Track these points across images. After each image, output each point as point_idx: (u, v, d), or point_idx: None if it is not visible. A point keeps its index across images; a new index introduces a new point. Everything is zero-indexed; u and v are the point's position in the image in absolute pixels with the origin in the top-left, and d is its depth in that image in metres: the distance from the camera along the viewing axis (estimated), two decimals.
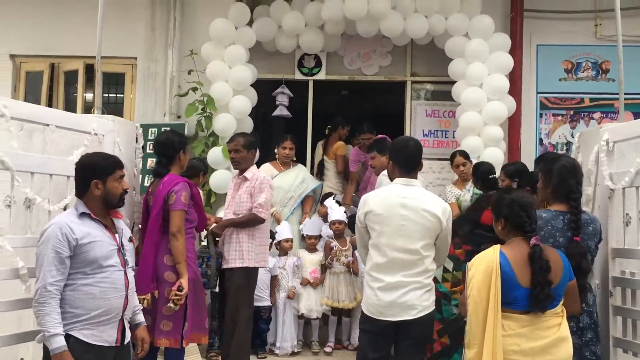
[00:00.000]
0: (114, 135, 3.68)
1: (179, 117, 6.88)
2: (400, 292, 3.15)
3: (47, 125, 3.23)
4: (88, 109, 7.08)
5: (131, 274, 2.97)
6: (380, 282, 3.20)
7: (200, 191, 4.58)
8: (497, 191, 3.89)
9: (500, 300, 2.75)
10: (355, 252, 5.71)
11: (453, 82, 6.55)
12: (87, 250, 2.78)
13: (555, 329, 2.79)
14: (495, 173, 4.97)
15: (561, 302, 2.85)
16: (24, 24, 7.03)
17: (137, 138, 4.07)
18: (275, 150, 6.38)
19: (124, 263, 2.92)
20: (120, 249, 2.92)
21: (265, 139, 8.32)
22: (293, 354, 5.52)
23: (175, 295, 3.63)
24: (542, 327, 2.77)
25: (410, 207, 3.20)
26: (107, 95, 7.20)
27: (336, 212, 5.81)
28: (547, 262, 2.74)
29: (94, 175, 2.86)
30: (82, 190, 2.90)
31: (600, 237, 3.26)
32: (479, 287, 2.78)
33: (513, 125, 6.69)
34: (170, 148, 3.93)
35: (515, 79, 6.65)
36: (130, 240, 3.04)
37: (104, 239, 2.86)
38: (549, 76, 6.90)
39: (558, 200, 3.14)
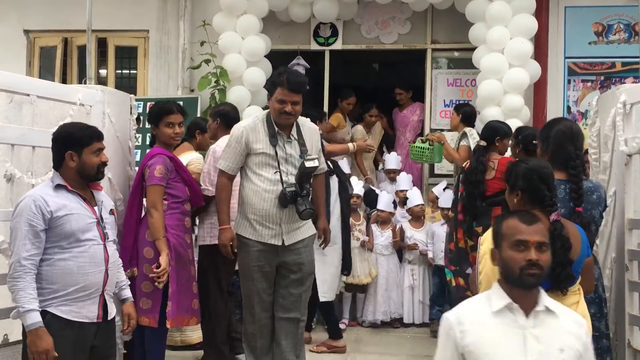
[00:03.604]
0: (102, 106, 3.54)
1: (192, 90, 6.77)
2: None
3: (28, 95, 3.12)
4: (101, 84, 7.02)
5: (112, 248, 2.86)
6: None
7: (199, 156, 4.31)
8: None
9: None
10: (371, 226, 5.56)
11: (475, 49, 6.24)
12: (62, 223, 2.67)
13: (574, 308, 2.56)
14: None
15: (579, 280, 2.63)
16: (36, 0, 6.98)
17: (131, 109, 3.93)
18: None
19: (104, 237, 2.80)
20: (100, 222, 2.80)
21: None
22: (307, 329, 5.39)
23: (153, 273, 3.51)
24: None
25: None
26: (120, 70, 7.12)
27: (353, 186, 5.64)
28: (568, 240, 2.50)
29: (68, 147, 2.74)
30: (57, 162, 2.78)
31: (605, 205, 3.00)
32: (492, 264, 2.56)
33: (539, 92, 6.37)
34: (150, 120, 3.78)
35: (541, 43, 6.32)
36: (112, 212, 2.92)
37: (82, 212, 2.74)
38: (578, 40, 6.52)
39: (557, 168, 2.87)
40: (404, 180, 5.89)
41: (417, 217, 5.63)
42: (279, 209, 3.49)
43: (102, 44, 7.01)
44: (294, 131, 3.59)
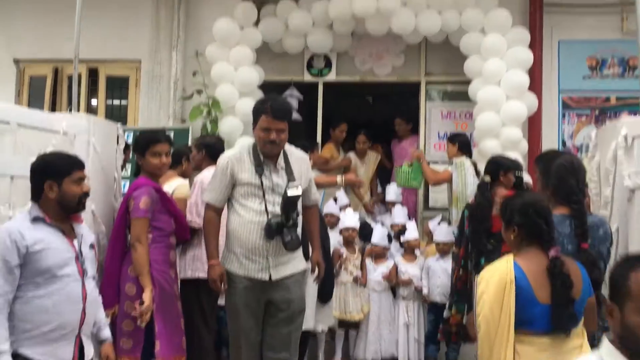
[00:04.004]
0: (87, 135, 3.43)
1: (183, 121, 6.67)
2: None
3: (8, 123, 3.00)
4: (92, 113, 6.93)
5: (91, 285, 2.70)
6: None
7: (185, 182, 4.18)
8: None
9: (514, 319, 2.38)
10: (366, 260, 5.41)
11: (469, 82, 6.20)
12: (38, 259, 2.51)
13: (577, 352, 2.42)
14: (522, 170, 4.49)
15: (582, 321, 2.49)
16: (27, 28, 6.93)
17: (118, 139, 3.82)
18: None
19: (83, 272, 2.65)
20: (79, 257, 2.66)
21: None
22: None
23: (135, 310, 3.34)
24: (564, 350, 2.41)
25: None
26: (111, 100, 7.03)
27: (349, 218, 5.52)
28: (568, 277, 2.38)
29: (48, 176, 2.61)
30: (36, 192, 2.65)
31: (611, 241, 2.89)
32: (492, 304, 2.41)
33: (533, 126, 6.31)
34: (135, 149, 3.66)
35: (535, 77, 6.27)
36: (92, 247, 2.77)
37: (59, 246, 2.59)
38: (572, 73, 6.49)
39: (560, 203, 2.77)
40: (399, 213, 5.77)
41: (411, 251, 5.49)
42: (265, 240, 3.36)
43: (93, 74, 6.92)
44: (281, 160, 3.48)
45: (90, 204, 3.49)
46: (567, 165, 2.88)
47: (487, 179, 4.04)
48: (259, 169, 3.39)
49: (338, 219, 5.51)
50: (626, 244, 3.08)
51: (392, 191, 6.19)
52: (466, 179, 5.32)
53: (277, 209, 3.37)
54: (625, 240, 3.08)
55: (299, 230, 3.48)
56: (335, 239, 5.59)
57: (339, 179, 5.48)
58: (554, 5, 6.45)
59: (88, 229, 2.86)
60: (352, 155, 6.62)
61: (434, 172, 5.67)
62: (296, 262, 3.52)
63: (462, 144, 5.52)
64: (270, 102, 3.40)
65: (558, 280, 2.37)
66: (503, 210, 2.61)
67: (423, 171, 5.61)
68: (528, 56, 5.94)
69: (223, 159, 3.50)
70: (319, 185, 5.16)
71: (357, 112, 8.39)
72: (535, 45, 6.26)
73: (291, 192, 3.36)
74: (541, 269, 2.41)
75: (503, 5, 6.07)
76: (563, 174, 2.86)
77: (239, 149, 3.55)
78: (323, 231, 4.71)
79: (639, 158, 3.03)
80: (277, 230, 3.32)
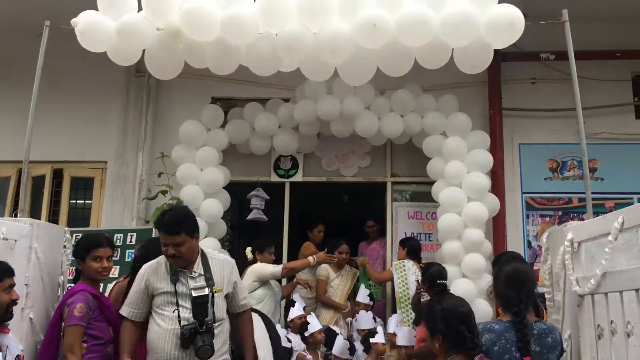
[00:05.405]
0: (29, 241, 3.34)
1: (147, 221, 6.59)
2: None
3: None
4: (56, 213, 6.83)
5: None
6: None
7: None
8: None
9: None
10: None
11: (433, 182, 6.27)
12: None
13: None
14: (445, 278, 4.67)
15: None
16: None
17: (65, 243, 3.72)
18: (249, 254, 5.85)
19: None
20: None
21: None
22: None
23: None
24: None
25: None
26: (74, 201, 6.96)
27: (315, 323, 5.39)
28: None
29: None
30: None
31: (562, 349, 2.79)
32: None
33: (498, 226, 6.33)
34: (75, 254, 3.56)
35: (497, 178, 6.38)
36: (18, 358, 2.61)
37: None
38: (534, 175, 6.61)
39: (506, 310, 2.71)
40: (364, 318, 5.63)
41: (377, 355, 5.30)
42: (181, 350, 3.23)
43: (58, 175, 6.89)
44: (197, 267, 3.42)
45: (28, 312, 3.36)
46: (510, 275, 2.85)
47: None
48: (174, 277, 3.33)
49: (305, 321, 5.37)
50: (578, 352, 2.98)
51: (363, 293, 6.06)
52: (407, 279, 5.49)
53: (192, 316, 3.27)
54: (577, 349, 2.98)
55: (223, 338, 3.38)
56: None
57: (311, 259, 5.61)
58: (512, 110, 6.66)
59: (15, 340, 2.71)
60: (323, 266, 6.20)
61: (377, 272, 6.30)
62: None
63: (410, 248, 5.95)
64: (160, 217, 3.39)
65: None
66: (426, 319, 2.54)
67: (368, 272, 6.20)
68: (488, 158, 6.04)
69: (142, 269, 3.46)
70: (294, 270, 5.47)
71: (325, 211, 8.40)
72: (497, 148, 6.40)
73: (196, 293, 3.28)
74: None
75: (464, 110, 6.24)
76: (504, 284, 2.83)
77: (159, 258, 3.49)
78: (273, 333, 4.55)
79: (586, 263, 3.00)
80: (190, 338, 3.20)
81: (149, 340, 3.33)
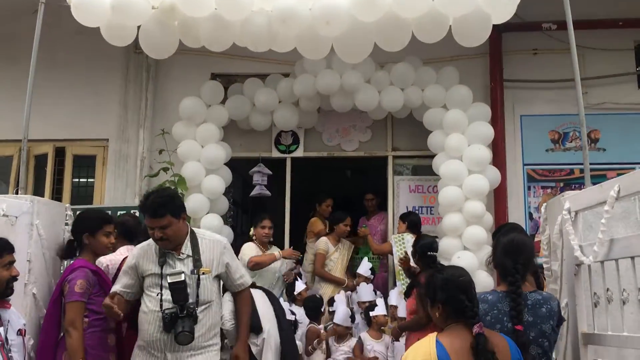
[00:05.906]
0: (30, 217, 3.37)
1: None
2: None
3: None
4: (59, 192, 6.87)
5: None
6: None
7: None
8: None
9: None
10: (329, 340, 5.26)
11: (434, 156, 6.26)
12: None
13: None
14: (436, 250, 4.69)
15: None
16: None
17: (67, 220, 3.75)
18: (252, 231, 5.90)
19: None
20: (4, 345, 2.54)
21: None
22: None
23: None
24: None
25: None
26: (77, 179, 6.99)
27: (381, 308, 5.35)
28: (493, 354, 2.31)
29: None
30: None
31: (559, 318, 2.82)
32: None
33: (499, 199, 6.33)
34: (75, 230, 3.59)
35: (499, 150, 6.36)
36: (20, 333, 2.66)
37: None
38: (535, 147, 6.58)
39: (502, 280, 2.73)
40: (365, 290, 5.67)
41: (378, 327, 5.35)
42: (163, 333, 3.22)
43: (60, 154, 6.91)
44: (186, 248, 3.38)
45: (31, 288, 3.41)
46: (507, 245, 2.86)
47: None
48: (162, 259, 3.32)
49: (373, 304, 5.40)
50: (575, 320, 3.00)
51: (365, 266, 6.09)
52: (407, 251, 5.43)
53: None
54: (574, 317, 3.01)
55: (210, 322, 3.34)
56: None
57: (277, 254, 5.40)
58: (514, 81, 6.61)
59: (17, 315, 2.75)
60: (323, 239, 6.30)
61: (377, 245, 6.41)
62: (205, 359, 3.31)
63: (410, 222, 5.99)
64: (143, 201, 3.36)
65: (482, 357, 2.31)
66: (427, 288, 2.56)
67: (369, 243, 6.32)
68: (489, 131, 6.02)
69: (134, 250, 3.47)
70: (261, 265, 5.18)
71: (327, 186, 8.41)
72: (498, 120, 6.37)
73: (171, 279, 3.22)
74: (466, 346, 2.34)
75: (464, 83, 6.20)
76: (501, 254, 2.84)
77: (149, 240, 3.48)
78: (278, 309, 4.60)
79: (583, 232, 3.01)
80: (171, 322, 3.17)
81: (139, 321, 3.34)
